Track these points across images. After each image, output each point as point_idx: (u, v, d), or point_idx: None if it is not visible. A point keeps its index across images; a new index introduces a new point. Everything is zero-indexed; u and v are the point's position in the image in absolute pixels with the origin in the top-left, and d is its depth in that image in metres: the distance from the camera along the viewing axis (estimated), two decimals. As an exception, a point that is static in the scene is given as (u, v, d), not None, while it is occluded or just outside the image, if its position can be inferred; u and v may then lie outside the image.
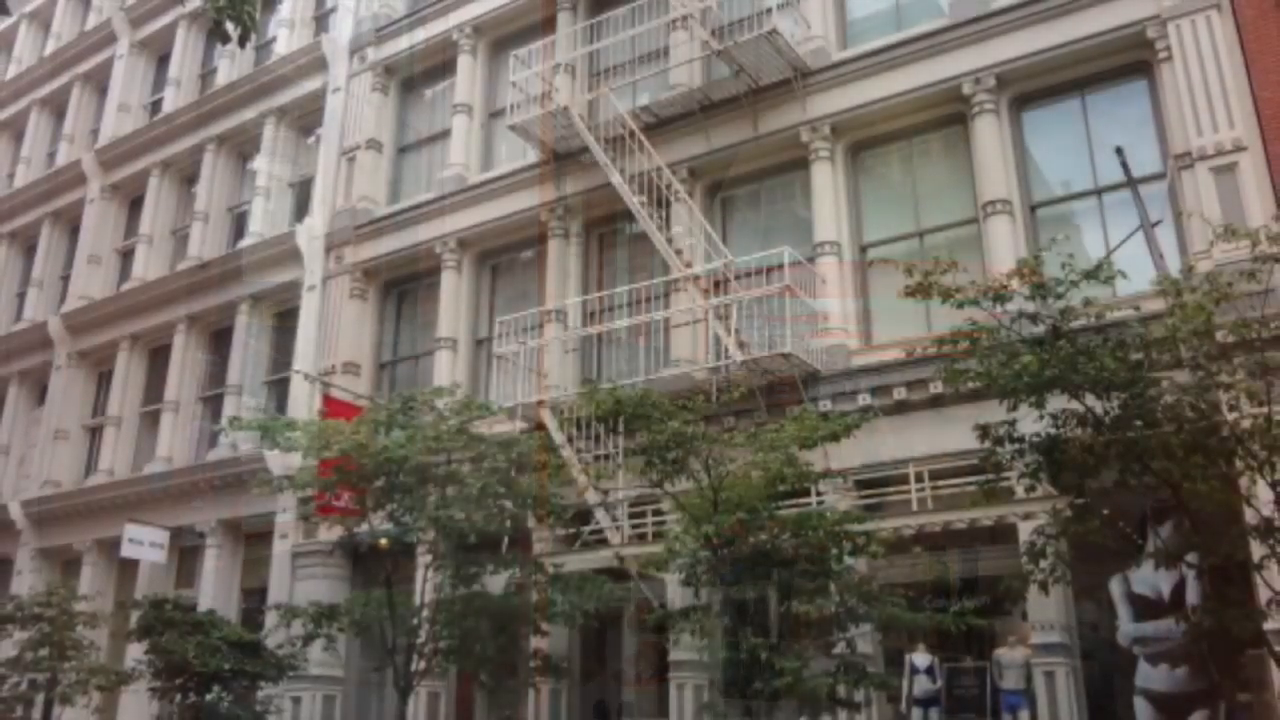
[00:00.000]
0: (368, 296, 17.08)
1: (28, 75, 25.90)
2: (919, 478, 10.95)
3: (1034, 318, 8.32)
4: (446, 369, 15.25)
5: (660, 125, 14.15)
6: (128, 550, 16.78)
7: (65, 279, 22.86)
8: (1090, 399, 8.00)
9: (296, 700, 14.66)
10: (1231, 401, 7.74)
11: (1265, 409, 7.48)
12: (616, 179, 13.42)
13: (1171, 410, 7.73)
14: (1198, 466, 7.69)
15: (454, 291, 15.91)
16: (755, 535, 9.82)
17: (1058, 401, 8.20)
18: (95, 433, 20.72)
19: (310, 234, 17.66)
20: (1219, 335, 7.83)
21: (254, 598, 16.83)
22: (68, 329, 21.42)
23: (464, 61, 17.07)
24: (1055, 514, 8.96)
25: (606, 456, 12.19)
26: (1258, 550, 7.83)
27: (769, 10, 12.90)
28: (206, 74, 22.10)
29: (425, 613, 11.65)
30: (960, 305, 8.42)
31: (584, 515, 12.49)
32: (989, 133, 11.92)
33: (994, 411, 8.54)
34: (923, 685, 10.87)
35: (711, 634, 10.29)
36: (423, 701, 13.45)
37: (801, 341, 11.77)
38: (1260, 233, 7.85)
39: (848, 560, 9.95)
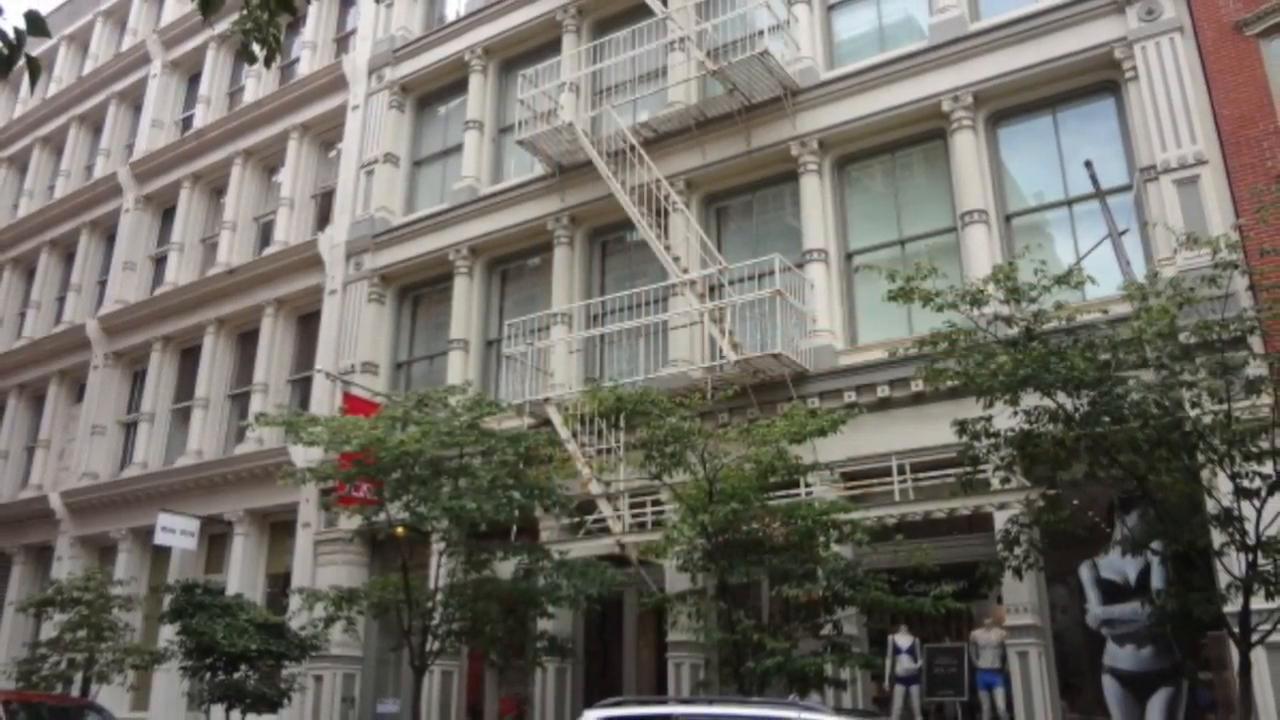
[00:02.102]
0: (385, 300, 17.08)
1: (67, 94, 25.89)
2: (901, 470, 10.94)
3: (1009, 320, 8.35)
4: (458, 368, 15.24)
5: (659, 140, 14.14)
6: (160, 538, 16.80)
7: (102, 284, 22.88)
8: (1061, 396, 8.00)
9: (318, 678, 14.68)
10: (1194, 399, 7.74)
11: (1225, 406, 7.48)
12: (618, 190, 13.41)
13: (1138, 407, 7.73)
14: (1162, 460, 7.69)
15: (465, 296, 15.90)
16: (748, 524, 9.83)
17: (1031, 399, 8.20)
18: (130, 428, 20.72)
19: (331, 242, 17.68)
20: (1182, 337, 7.83)
21: (278, 582, 16.85)
22: (104, 331, 21.43)
23: (475, 81, 17.07)
24: (1029, 504, 8.99)
25: (609, 450, 12.19)
26: (1218, 538, 7.83)
27: (761, 32, 12.97)
28: (234, 92, 22.10)
29: (439, 596, 11.65)
30: (940, 309, 8.45)
31: (587, 505, 12.48)
32: (967, 147, 11.91)
33: (971, 408, 8.56)
34: (904, 664, 10.87)
35: (707, 616, 10.30)
36: (436, 679, 13.47)
37: (791, 343, 11.76)
38: (1220, 241, 7.85)
39: (834, 547, 9.97)
